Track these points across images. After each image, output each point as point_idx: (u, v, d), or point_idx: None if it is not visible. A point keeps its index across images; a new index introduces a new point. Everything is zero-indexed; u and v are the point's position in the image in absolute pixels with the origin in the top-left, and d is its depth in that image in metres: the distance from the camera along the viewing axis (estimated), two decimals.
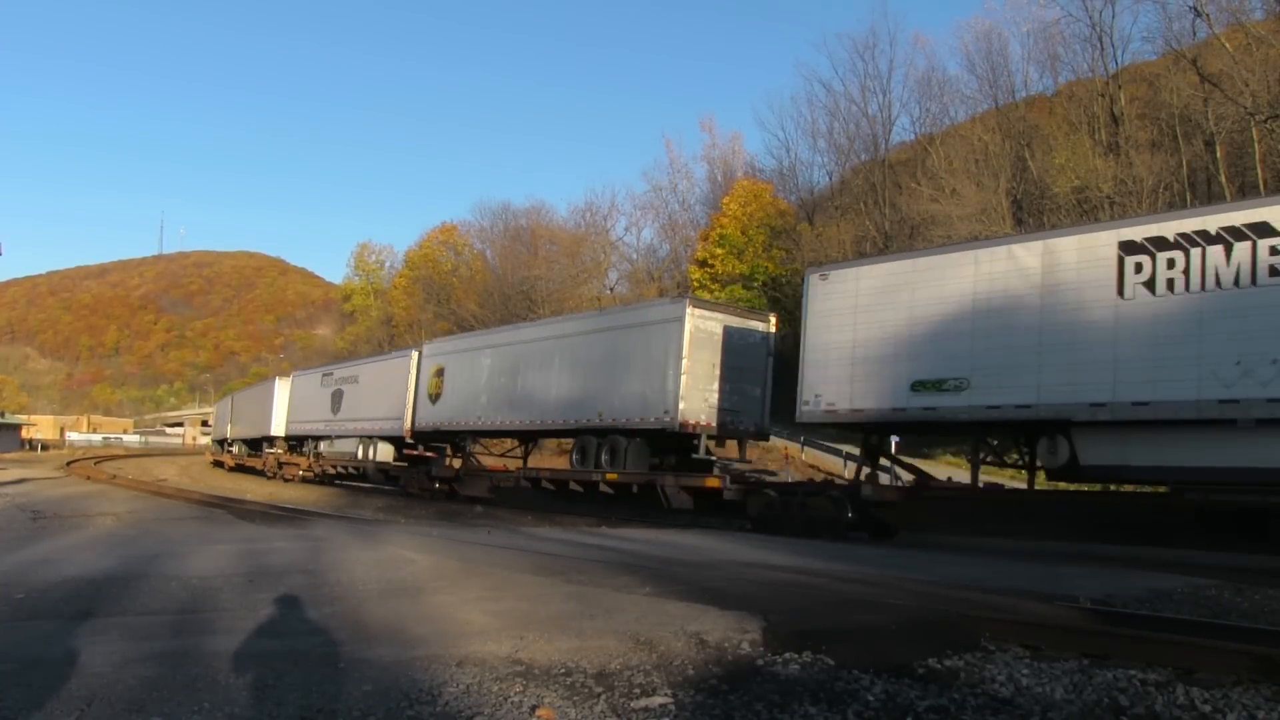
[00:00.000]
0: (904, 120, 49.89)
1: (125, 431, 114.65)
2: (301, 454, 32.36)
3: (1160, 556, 11.11)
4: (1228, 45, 30.42)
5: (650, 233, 66.99)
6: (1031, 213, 35.09)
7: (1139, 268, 11.44)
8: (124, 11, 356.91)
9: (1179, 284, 11.12)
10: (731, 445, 18.91)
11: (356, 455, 27.52)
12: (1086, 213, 31.00)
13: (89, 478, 27.31)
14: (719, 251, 46.12)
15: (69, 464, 38.23)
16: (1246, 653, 4.64)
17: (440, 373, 23.65)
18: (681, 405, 16.47)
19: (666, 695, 3.89)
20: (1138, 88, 37.23)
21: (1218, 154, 31.81)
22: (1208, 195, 30.96)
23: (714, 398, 16.95)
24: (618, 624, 5.21)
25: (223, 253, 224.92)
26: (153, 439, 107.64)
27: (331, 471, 29.97)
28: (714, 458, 18.36)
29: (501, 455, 23.46)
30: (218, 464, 45.32)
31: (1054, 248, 12.31)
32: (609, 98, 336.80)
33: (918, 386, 13.19)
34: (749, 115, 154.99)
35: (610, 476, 17.72)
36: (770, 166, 54.43)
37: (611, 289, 56.61)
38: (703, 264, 47.26)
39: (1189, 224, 11.25)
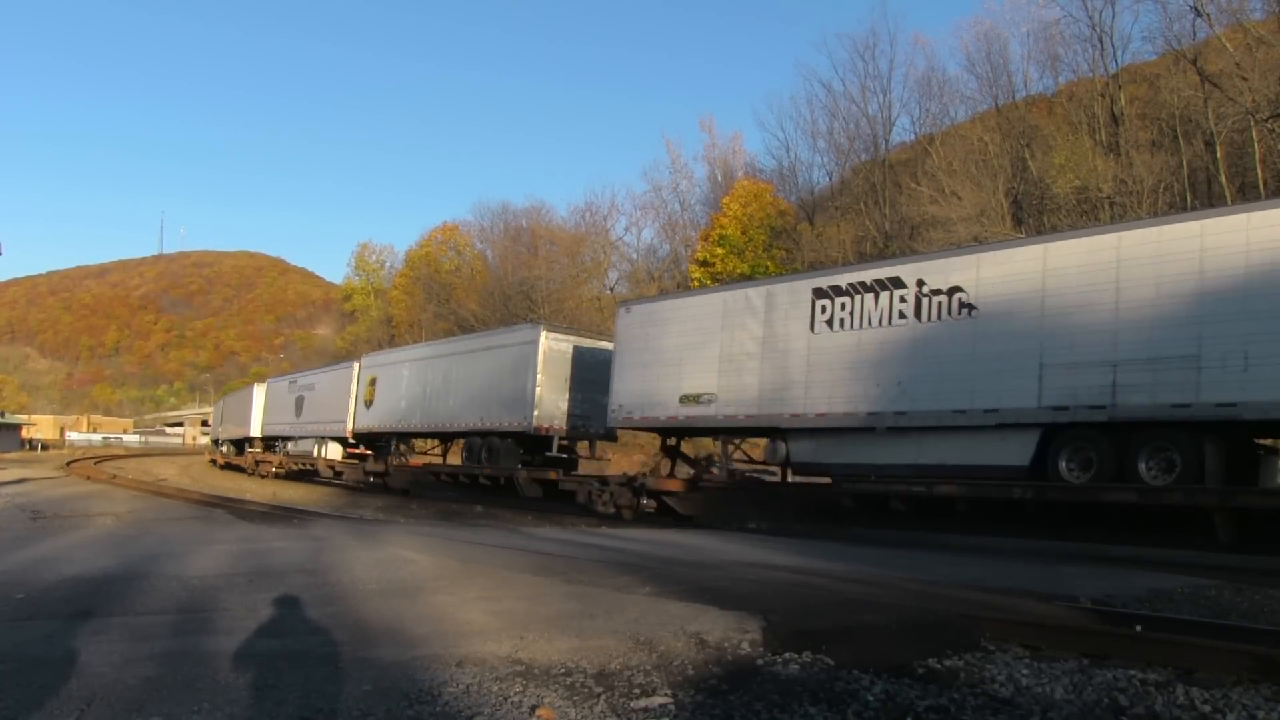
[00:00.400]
0: (904, 120, 49.73)
1: (125, 431, 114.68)
2: (274, 453, 36.34)
3: (1160, 556, 11.10)
4: (1228, 45, 30.39)
5: (650, 233, 66.89)
6: (1031, 213, 35.05)
7: (824, 309, 14.59)
8: (124, 11, 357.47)
9: (847, 323, 14.25)
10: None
11: (312, 453, 31.54)
12: (1086, 212, 30.97)
13: (89, 478, 27.31)
14: (719, 251, 46.08)
15: (69, 464, 38.27)
16: (1246, 653, 4.64)
17: (373, 382, 27.62)
18: (536, 412, 20.11)
19: (666, 695, 3.89)
20: (1138, 88, 37.16)
21: (1218, 154, 31.75)
22: (1208, 195, 30.95)
23: (565, 406, 20.51)
24: (618, 624, 5.21)
25: (223, 253, 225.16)
26: (153, 439, 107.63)
27: (296, 468, 33.45)
28: (567, 455, 21.94)
29: (424, 453, 27.15)
30: (215, 463, 46.58)
31: (773, 292, 15.57)
32: (609, 98, 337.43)
33: (684, 400, 16.61)
34: (749, 115, 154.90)
35: (486, 471, 21.69)
36: (770, 166, 54.26)
37: (612, 289, 56.55)
38: (703, 264, 47.24)
39: (855, 276, 14.43)
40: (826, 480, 15.11)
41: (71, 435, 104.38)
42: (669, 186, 57.33)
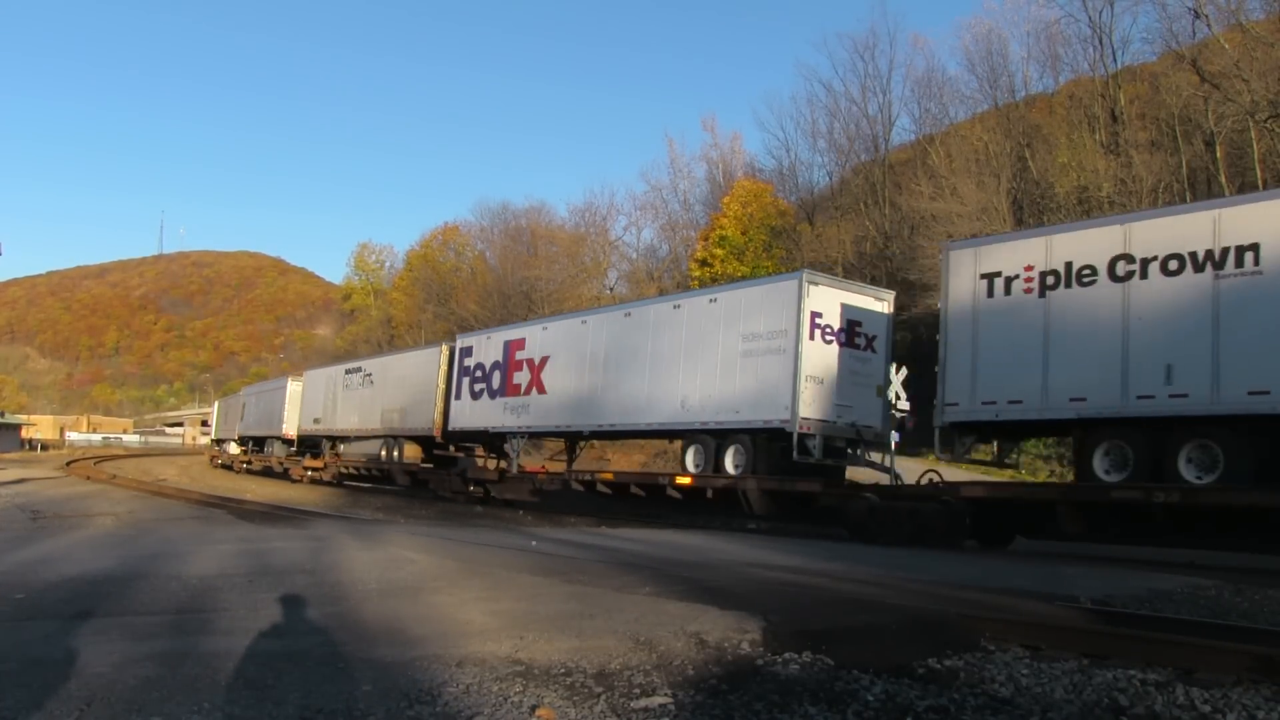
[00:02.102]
0: (904, 120, 49.50)
1: (125, 431, 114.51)
2: (223, 450, 51.53)
3: (1160, 556, 11.11)
4: (1227, 45, 30.38)
5: (650, 233, 66.66)
6: (1032, 213, 35.04)
7: (347, 378, 30.19)
8: (124, 11, 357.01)
9: (353, 386, 29.54)
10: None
11: (228, 450, 47.34)
12: (1086, 212, 30.91)
13: (89, 478, 27.34)
14: (719, 252, 46.05)
15: (69, 464, 38.33)
16: (1246, 653, 4.63)
17: (244, 405, 44.42)
18: (285, 426, 35.55)
19: (666, 695, 3.89)
20: (1138, 87, 37.16)
21: (1217, 154, 31.76)
22: (1208, 195, 30.87)
23: (297, 420, 34.77)
24: (617, 624, 5.20)
25: (223, 253, 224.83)
26: (153, 439, 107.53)
27: (224, 461, 47.37)
28: (316, 452, 33.60)
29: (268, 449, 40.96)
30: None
31: (335, 371, 32.38)
32: (609, 97, 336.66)
33: (314, 420, 32.42)
34: (748, 115, 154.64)
35: (267, 461, 38.21)
36: (770, 166, 54.10)
37: (611, 289, 56.55)
38: (703, 263, 47.24)
39: (353, 364, 31.08)
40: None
41: (71, 435, 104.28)
42: (669, 186, 57.37)
